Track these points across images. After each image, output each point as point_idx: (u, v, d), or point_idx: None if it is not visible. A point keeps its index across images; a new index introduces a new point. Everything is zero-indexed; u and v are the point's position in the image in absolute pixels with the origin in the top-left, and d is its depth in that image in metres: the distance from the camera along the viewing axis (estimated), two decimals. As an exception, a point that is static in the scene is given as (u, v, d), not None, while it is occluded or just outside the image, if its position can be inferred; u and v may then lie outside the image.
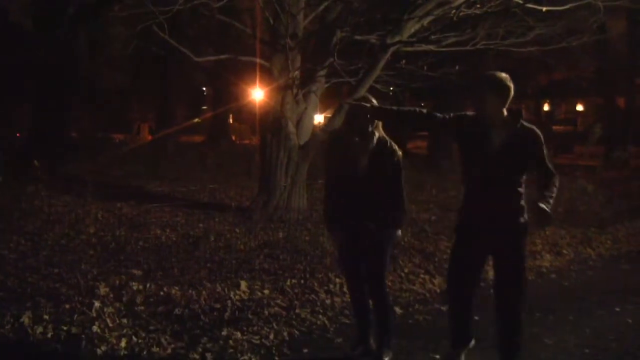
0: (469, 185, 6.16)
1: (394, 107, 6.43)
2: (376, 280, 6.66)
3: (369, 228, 6.44)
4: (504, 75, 5.93)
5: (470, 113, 6.15)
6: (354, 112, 6.51)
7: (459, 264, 6.21)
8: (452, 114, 6.17)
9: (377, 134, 6.54)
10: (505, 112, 5.94)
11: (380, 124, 6.58)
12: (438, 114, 6.14)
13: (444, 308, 8.76)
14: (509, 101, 5.92)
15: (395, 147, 6.60)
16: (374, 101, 6.49)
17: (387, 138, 6.61)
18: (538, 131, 5.98)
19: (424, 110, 6.20)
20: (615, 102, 38.64)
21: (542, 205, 5.63)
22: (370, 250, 6.55)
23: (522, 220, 5.97)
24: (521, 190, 5.96)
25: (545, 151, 5.98)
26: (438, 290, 9.60)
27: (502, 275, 6.09)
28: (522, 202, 5.99)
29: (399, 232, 6.70)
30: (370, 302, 6.81)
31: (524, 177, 5.97)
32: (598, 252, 12.99)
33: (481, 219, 6.01)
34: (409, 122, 6.52)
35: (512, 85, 5.91)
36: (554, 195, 5.88)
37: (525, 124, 5.97)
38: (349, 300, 7.31)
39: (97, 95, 33.63)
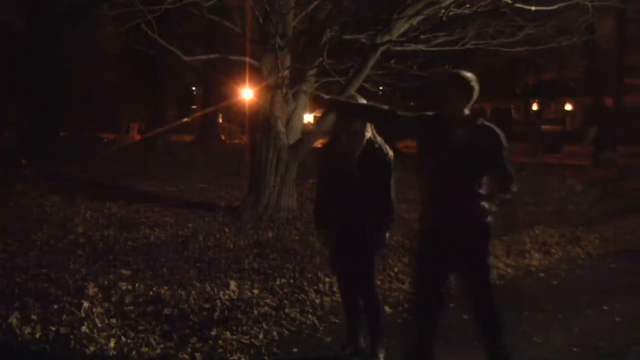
0: (429, 189, 6.03)
1: (360, 102, 6.38)
2: (366, 280, 6.65)
3: (358, 229, 6.43)
4: (469, 74, 5.85)
5: (431, 113, 6.09)
6: (344, 111, 6.49)
7: (427, 272, 6.07)
8: (415, 114, 6.12)
9: (367, 135, 6.52)
10: (467, 112, 5.87)
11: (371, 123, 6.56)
12: (400, 113, 6.08)
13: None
14: (472, 101, 5.85)
15: (386, 147, 6.56)
16: (363, 100, 6.47)
17: (378, 138, 6.59)
18: (498, 130, 5.82)
19: (386, 108, 6.13)
20: (604, 102, 38.74)
21: (483, 204, 5.61)
22: (359, 251, 6.53)
23: (484, 222, 5.82)
24: (482, 191, 5.78)
25: (505, 152, 5.81)
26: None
27: (471, 279, 6.02)
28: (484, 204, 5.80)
29: (387, 234, 6.64)
30: (362, 302, 6.82)
31: (484, 177, 5.81)
32: (587, 251, 13.02)
33: (444, 222, 5.91)
34: (374, 120, 6.43)
35: (476, 86, 5.83)
36: (505, 197, 5.81)
37: (486, 122, 5.86)
38: (340, 299, 7.30)
39: (87, 95, 33.59)
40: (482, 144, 5.75)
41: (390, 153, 6.56)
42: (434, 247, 5.99)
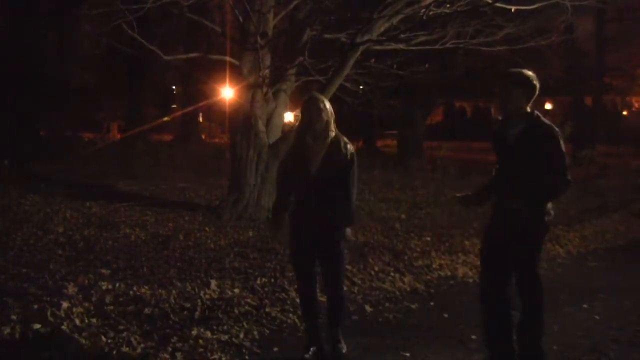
0: (496, 185, 6.36)
1: (487, 186, 6.60)
2: (335, 279, 6.74)
3: (327, 227, 6.49)
4: (530, 73, 6.11)
5: (495, 127, 6.37)
6: (308, 111, 6.56)
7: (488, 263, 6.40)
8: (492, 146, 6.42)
9: (331, 134, 6.54)
10: (528, 109, 6.09)
11: (333, 121, 6.58)
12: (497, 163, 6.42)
13: (414, 306, 8.81)
14: (532, 99, 6.08)
15: (350, 145, 6.64)
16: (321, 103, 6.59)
17: (342, 136, 6.62)
18: (555, 129, 6.02)
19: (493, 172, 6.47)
20: (584, 100, 38.93)
21: (512, 200, 5.89)
22: (327, 251, 6.61)
23: (543, 219, 6.06)
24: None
25: (554, 150, 5.95)
26: (408, 289, 9.64)
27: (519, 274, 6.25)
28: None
29: (349, 230, 6.64)
30: (328, 299, 6.90)
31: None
32: (567, 249, 13.09)
33: (500, 215, 6.18)
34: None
35: (537, 85, 6.09)
36: (539, 198, 6.00)
37: (542, 119, 6.09)
38: (299, 300, 7.22)
39: (66, 94, 33.43)
40: (536, 140, 5.98)
41: (353, 150, 6.65)
42: (493, 239, 6.29)
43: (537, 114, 6.09)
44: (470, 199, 6.61)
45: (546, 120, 6.07)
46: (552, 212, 6.09)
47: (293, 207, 6.68)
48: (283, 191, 6.83)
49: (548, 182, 5.94)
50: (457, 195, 6.78)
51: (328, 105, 6.62)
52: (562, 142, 5.97)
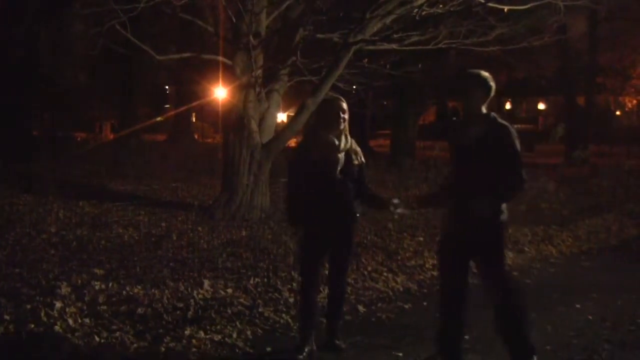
0: (451, 184, 6.37)
1: (440, 193, 6.73)
2: (342, 273, 6.93)
3: (348, 220, 6.67)
4: (487, 74, 6.17)
5: (453, 120, 6.49)
6: (331, 110, 6.62)
7: (447, 262, 6.45)
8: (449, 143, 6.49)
9: (347, 134, 6.65)
10: (484, 110, 6.15)
11: (347, 123, 6.65)
12: (451, 166, 6.46)
13: (407, 306, 8.82)
14: (488, 99, 6.15)
15: (358, 147, 6.84)
16: (344, 104, 6.68)
17: (350, 138, 6.70)
18: (511, 129, 6.08)
19: (448, 176, 6.57)
20: (576, 101, 38.98)
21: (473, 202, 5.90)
22: (341, 246, 6.74)
23: (500, 219, 6.09)
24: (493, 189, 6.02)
25: (511, 150, 6.01)
26: (401, 289, 9.64)
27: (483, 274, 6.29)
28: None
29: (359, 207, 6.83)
30: (331, 292, 7.03)
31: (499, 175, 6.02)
32: (560, 249, 13.08)
33: (458, 218, 6.19)
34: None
35: (493, 85, 6.16)
36: (497, 199, 6.03)
37: (499, 120, 6.13)
38: (303, 301, 7.20)
39: (59, 94, 33.38)
40: (493, 141, 6.02)
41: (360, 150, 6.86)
42: (454, 241, 6.30)
43: (494, 115, 6.16)
44: (427, 200, 6.65)
45: (503, 121, 6.13)
46: (505, 211, 6.13)
47: (309, 210, 6.68)
48: (298, 194, 6.81)
49: (506, 183, 6.00)
50: (414, 196, 6.87)
51: None
52: (517, 142, 6.03)
